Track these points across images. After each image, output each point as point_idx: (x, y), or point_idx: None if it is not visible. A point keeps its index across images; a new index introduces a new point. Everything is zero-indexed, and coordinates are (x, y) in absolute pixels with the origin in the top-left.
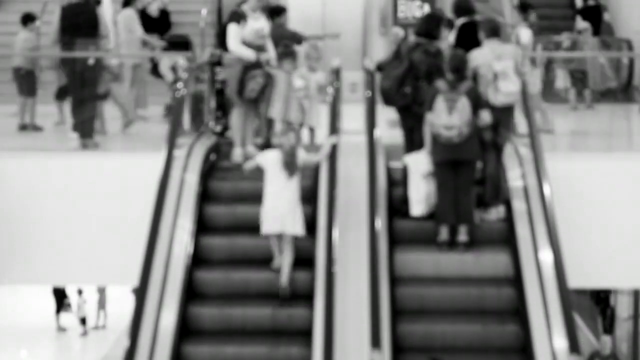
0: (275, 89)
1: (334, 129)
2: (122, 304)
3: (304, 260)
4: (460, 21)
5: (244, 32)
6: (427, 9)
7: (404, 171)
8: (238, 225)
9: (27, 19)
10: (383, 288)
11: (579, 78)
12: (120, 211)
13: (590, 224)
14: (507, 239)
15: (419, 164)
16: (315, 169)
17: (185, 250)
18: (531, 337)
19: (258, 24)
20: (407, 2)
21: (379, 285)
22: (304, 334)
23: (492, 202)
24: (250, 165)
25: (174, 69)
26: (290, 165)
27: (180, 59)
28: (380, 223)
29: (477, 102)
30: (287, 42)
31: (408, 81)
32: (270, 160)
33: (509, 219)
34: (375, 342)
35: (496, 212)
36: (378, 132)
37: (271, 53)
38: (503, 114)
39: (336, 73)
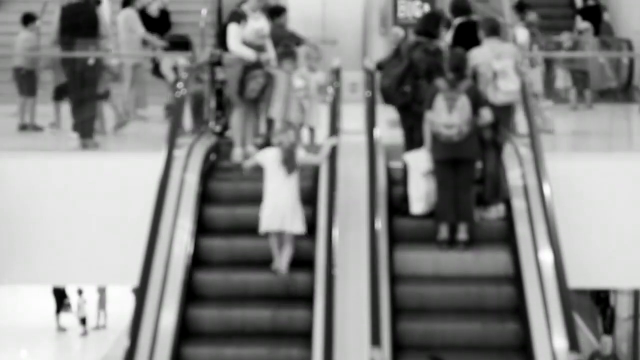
0: (275, 89)
1: (334, 129)
2: (122, 304)
3: (304, 261)
4: (457, 21)
5: (244, 32)
6: (427, 9)
7: (404, 169)
8: (238, 226)
9: (28, 19)
10: (383, 286)
11: (579, 78)
12: (120, 211)
13: (590, 224)
14: (506, 237)
15: (418, 162)
16: (315, 170)
17: (185, 250)
18: (531, 335)
19: (258, 24)
20: (407, 2)
21: (379, 285)
22: (304, 336)
23: (491, 201)
24: (249, 164)
25: (175, 69)
26: (288, 162)
27: (181, 59)
28: (381, 222)
29: (477, 101)
30: (287, 42)
31: (408, 80)
32: (269, 159)
33: (508, 218)
34: (375, 340)
35: (496, 211)
36: (378, 132)
37: (271, 53)
38: (503, 113)
39: (336, 73)
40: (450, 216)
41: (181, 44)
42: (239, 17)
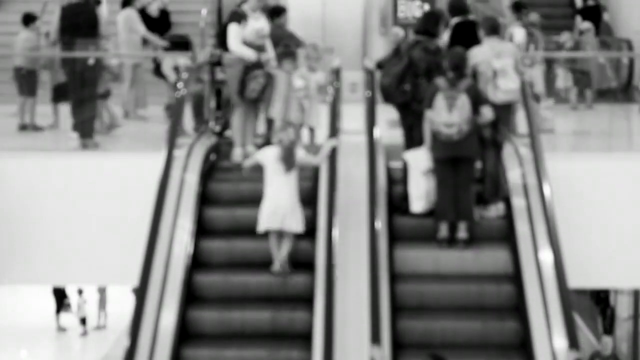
0: (275, 89)
1: (334, 129)
2: (122, 304)
3: (304, 263)
4: (454, 20)
5: (244, 32)
6: (427, 8)
7: (404, 168)
8: (238, 228)
9: (29, 19)
10: (383, 285)
11: (580, 78)
12: (120, 211)
13: (590, 224)
14: (506, 236)
15: (418, 160)
16: (315, 170)
17: (185, 250)
18: (530, 333)
19: (258, 24)
20: (407, 2)
21: (379, 285)
22: (304, 337)
23: (491, 200)
24: (249, 163)
25: (176, 69)
26: (287, 159)
27: (182, 59)
28: (381, 222)
29: (477, 100)
30: (287, 42)
31: (407, 78)
32: (269, 157)
33: (508, 216)
34: (375, 338)
35: (495, 210)
36: (378, 132)
37: (270, 53)
38: (502, 112)
39: (336, 73)
40: (450, 215)
41: (181, 44)
42: (239, 17)
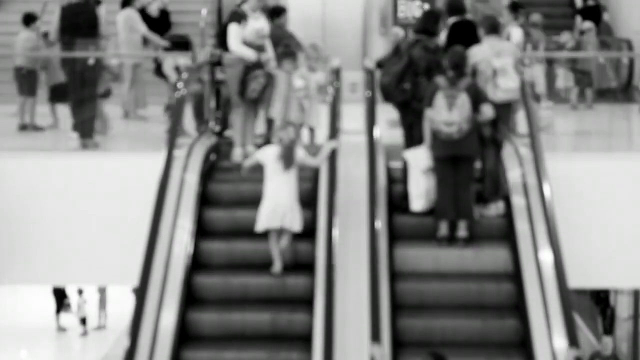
0: (275, 89)
1: (333, 129)
2: (122, 304)
3: (303, 265)
4: (451, 20)
5: (244, 32)
6: (427, 8)
7: (404, 167)
8: (238, 229)
9: (29, 19)
10: (383, 283)
11: (580, 78)
12: (120, 211)
13: (590, 224)
14: (506, 234)
15: (418, 159)
16: (315, 171)
17: (185, 250)
18: (530, 332)
19: (258, 23)
20: (407, 2)
21: (379, 283)
22: (304, 339)
23: (491, 198)
24: (249, 163)
25: (177, 69)
26: (286, 157)
27: (184, 59)
28: (381, 221)
29: (477, 98)
30: (287, 42)
31: (407, 77)
32: (269, 156)
33: (508, 215)
34: (375, 336)
35: (495, 208)
36: (378, 132)
37: (270, 53)
38: (502, 111)
39: (336, 73)
40: (450, 213)
41: (181, 44)
42: (239, 17)
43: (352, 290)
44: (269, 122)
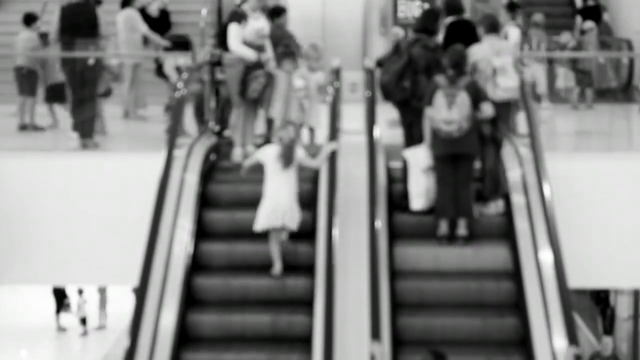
0: (275, 89)
1: (333, 129)
2: (122, 304)
3: (303, 267)
4: (448, 20)
5: (244, 32)
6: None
7: (404, 165)
8: (238, 231)
9: (30, 19)
10: (383, 282)
11: (581, 78)
12: (120, 211)
13: (590, 224)
14: (506, 233)
15: (418, 158)
16: (315, 172)
17: (185, 250)
18: (530, 330)
19: (258, 23)
20: (407, 2)
21: (379, 282)
22: (304, 341)
23: (491, 197)
24: (249, 163)
25: (178, 69)
26: (286, 156)
27: (185, 59)
28: (381, 220)
29: (477, 96)
30: (287, 42)
31: (407, 75)
32: (269, 155)
33: (508, 213)
34: (375, 334)
35: (495, 207)
36: (378, 132)
37: (269, 53)
38: (502, 109)
39: (336, 73)
40: (449, 212)
41: (181, 44)
42: (239, 17)
43: (352, 288)
44: (269, 122)
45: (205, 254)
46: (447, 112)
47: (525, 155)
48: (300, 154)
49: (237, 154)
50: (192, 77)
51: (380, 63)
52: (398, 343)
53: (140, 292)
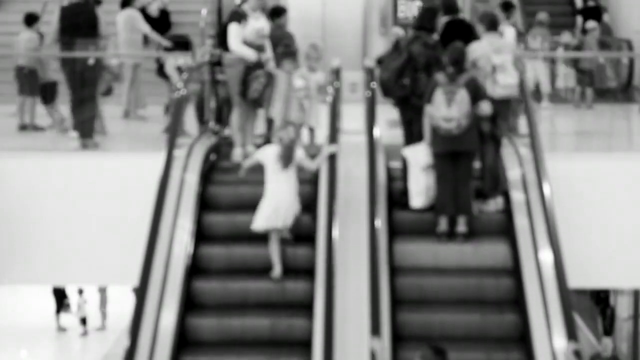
0: (275, 89)
1: (333, 129)
2: (122, 304)
3: (303, 270)
4: (444, 19)
5: (244, 32)
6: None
7: (404, 163)
8: (237, 234)
9: (32, 19)
10: (383, 278)
11: (582, 78)
12: (120, 211)
13: (590, 224)
14: (505, 230)
15: (418, 156)
16: (316, 172)
17: (185, 250)
18: (529, 326)
19: (259, 23)
20: (407, 2)
21: (379, 278)
22: (304, 345)
23: (490, 194)
24: (249, 163)
25: (179, 69)
26: (285, 157)
27: (185, 59)
28: (380, 218)
29: (477, 94)
30: (287, 42)
31: (407, 73)
32: (269, 156)
33: (507, 211)
34: (375, 330)
35: (495, 204)
36: (378, 132)
37: (269, 53)
38: (501, 107)
39: (336, 73)
40: (449, 209)
41: (181, 44)
42: (239, 17)
43: (353, 285)
44: (269, 122)
45: (205, 257)
46: (446, 109)
47: (525, 155)
48: (299, 154)
49: (237, 154)
50: (192, 77)
51: (380, 62)
52: (398, 339)
53: (140, 292)
